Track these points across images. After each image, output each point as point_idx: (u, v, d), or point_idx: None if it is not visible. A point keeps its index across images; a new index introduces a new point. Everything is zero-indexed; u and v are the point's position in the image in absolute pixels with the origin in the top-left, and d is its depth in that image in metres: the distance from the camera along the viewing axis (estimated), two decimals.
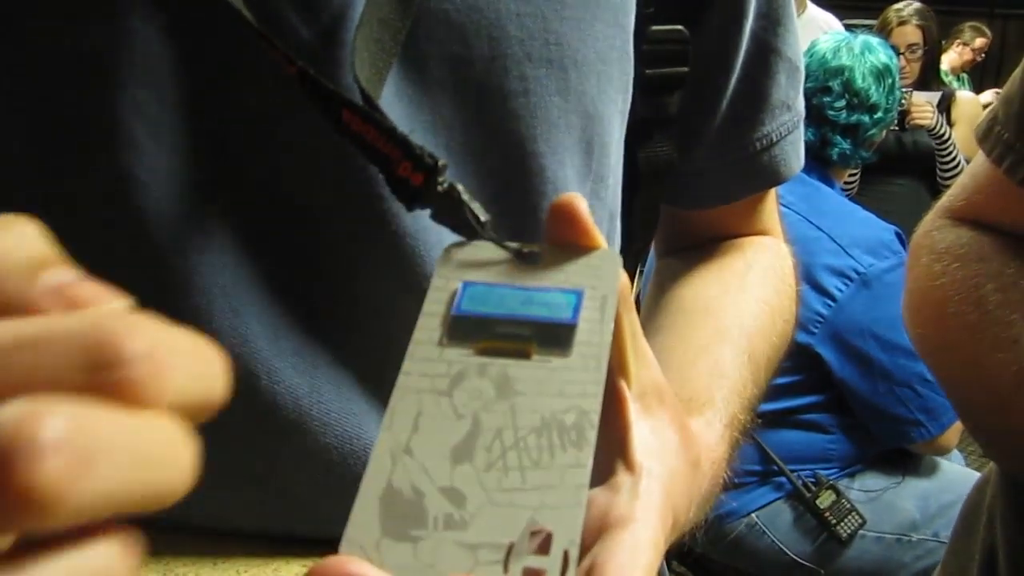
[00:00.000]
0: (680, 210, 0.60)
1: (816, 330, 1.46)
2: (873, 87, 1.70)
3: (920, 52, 2.95)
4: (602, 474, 0.33)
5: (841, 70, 1.70)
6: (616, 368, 0.32)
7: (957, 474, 1.60)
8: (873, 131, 1.72)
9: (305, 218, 0.38)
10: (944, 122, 2.75)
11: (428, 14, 0.37)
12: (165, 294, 0.37)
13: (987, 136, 0.69)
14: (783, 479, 1.50)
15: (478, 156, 0.40)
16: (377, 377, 0.40)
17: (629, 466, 0.32)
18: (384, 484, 0.25)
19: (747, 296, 0.55)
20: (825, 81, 1.71)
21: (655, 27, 0.49)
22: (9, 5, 0.35)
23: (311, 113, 0.33)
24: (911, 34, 2.95)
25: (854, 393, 1.48)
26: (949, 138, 2.69)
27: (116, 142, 0.35)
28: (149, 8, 0.35)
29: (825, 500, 1.46)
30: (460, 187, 0.31)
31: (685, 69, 0.50)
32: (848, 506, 1.46)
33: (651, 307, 0.57)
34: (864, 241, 1.48)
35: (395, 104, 0.37)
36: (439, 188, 0.31)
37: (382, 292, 0.39)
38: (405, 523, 0.25)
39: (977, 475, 0.87)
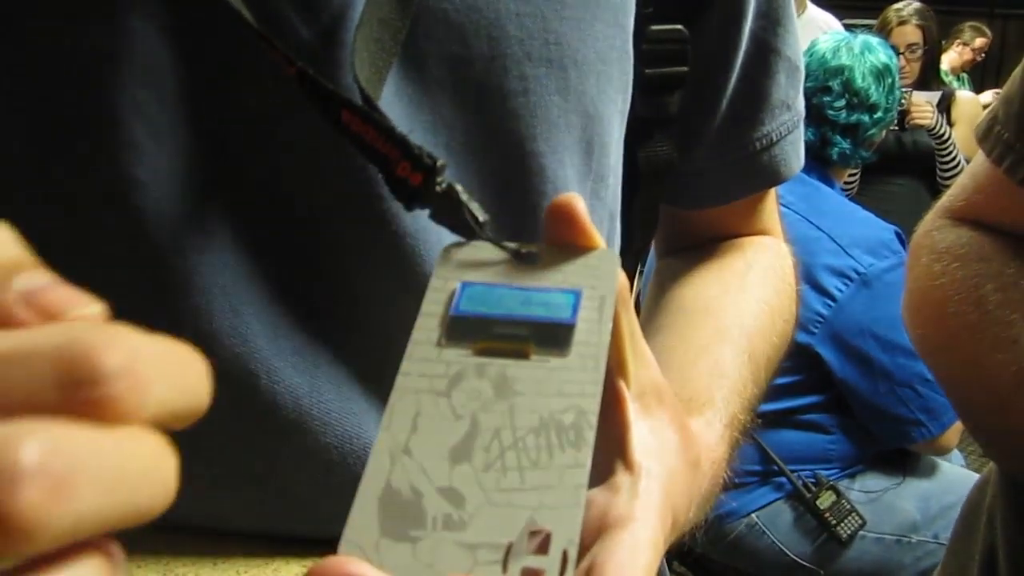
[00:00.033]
0: (680, 210, 0.60)
1: (816, 330, 1.46)
2: (873, 87, 1.70)
3: (920, 52, 2.95)
4: (601, 474, 0.33)
5: (841, 70, 1.70)
6: (615, 368, 0.32)
7: (958, 475, 1.60)
8: (873, 131, 1.73)
9: (305, 218, 0.38)
10: (944, 122, 2.75)
11: (427, 14, 0.37)
12: (165, 294, 0.37)
13: (987, 136, 0.69)
14: (783, 479, 1.50)
15: (478, 156, 0.40)
16: (377, 377, 0.40)
17: (628, 466, 0.32)
18: (383, 484, 0.25)
19: (747, 296, 0.55)
20: (825, 81, 1.71)
21: (655, 27, 0.49)
22: (9, 5, 0.35)
23: (311, 113, 0.33)
24: (911, 34, 2.95)
25: (854, 393, 1.48)
26: (949, 138, 2.69)
27: (116, 142, 0.35)
28: (149, 8, 0.35)
29: (825, 501, 1.46)
30: (459, 187, 0.31)
31: (685, 69, 0.50)
32: (848, 507, 1.46)
33: (651, 307, 0.57)
34: (864, 241, 1.48)
35: (395, 104, 0.37)
36: (438, 188, 0.31)
37: (382, 292, 0.39)
38: (404, 523, 0.25)
39: (978, 477, 0.87)
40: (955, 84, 3.81)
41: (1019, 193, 0.67)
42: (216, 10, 0.33)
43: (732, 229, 0.61)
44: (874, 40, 1.77)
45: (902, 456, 1.56)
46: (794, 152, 0.58)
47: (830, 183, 1.67)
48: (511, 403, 0.27)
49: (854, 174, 2.43)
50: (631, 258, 0.54)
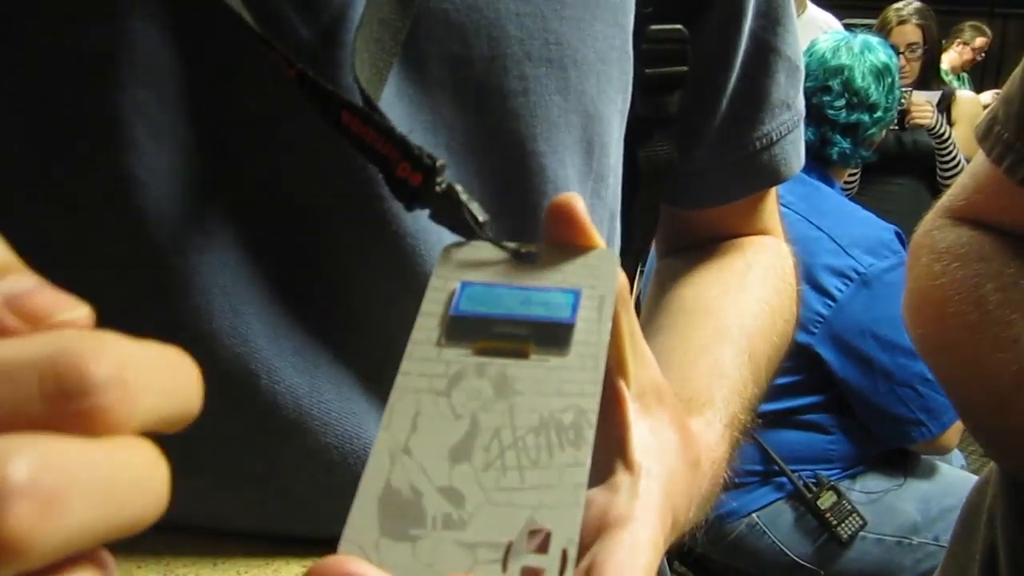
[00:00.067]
0: (680, 210, 0.60)
1: (816, 330, 1.46)
2: (873, 86, 1.70)
3: (920, 51, 2.95)
4: (601, 474, 0.33)
5: (841, 69, 1.70)
6: (615, 368, 0.32)
7: (958, 477, 1.60)
8: (873, 130, 1.73)
9: (305, 218, 0.38)
10: (944, 121, 2.75)
11: (428, 14, 0.38)
12: (165, 294, 0.37)
13: (987, 136, 0.69)
14: (784, 479, 1.50)
15: (478, 156, 0.40)
16: (377, 377, 0.40)
17: (628, 466, 0.32)
18: (383, 484, 0.25)
19: (747, 296, 0.55)
20: (825, 80, 1.71)
21: (654, 26, 0.49)
22: (9, 5, 0.35)
23: (311, 114, 0.33)
24: (911, 33, 2.95)
25: (855, 393, 1.48)
26: (949, 137, 2.69)
27: (116, 142, 0.35)
28: (149, 8, 0.35)
29: (826, 501, 1.46)
30: (459, 187, 0.31)
31: (685, 68, 0.50)
32: (849, 507, 1.46)
33: (651, 307, 0.57)
34: (864, 241, 1.48)
35: (395, 104, 0.37)
36: (438, 188, 0.31)
37: (382, 292, 0.39)
38: (404, 523, 0.25)
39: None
40: (955, 84, 3.81)
41: (1019, 193, 0.67)
42: (216, 11, 0.33)
43: (732, 229, 0.61)
44: (874, 40, 1.77)
45: (903, 457, 1.56)
46: (794, 152, 0.58)
47: (830, 183, 1.67)
48: (511, 402, 0.27)
49: (854, 174, 2.43)
50: (631, 258, 0.54)
